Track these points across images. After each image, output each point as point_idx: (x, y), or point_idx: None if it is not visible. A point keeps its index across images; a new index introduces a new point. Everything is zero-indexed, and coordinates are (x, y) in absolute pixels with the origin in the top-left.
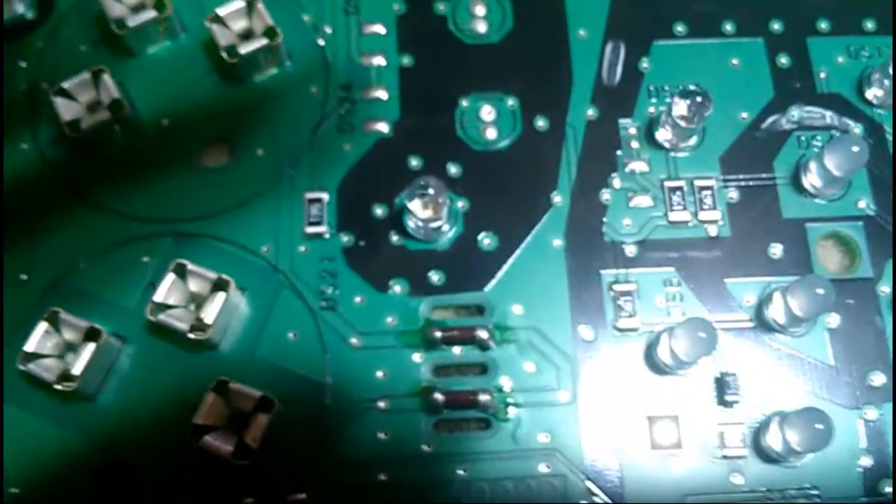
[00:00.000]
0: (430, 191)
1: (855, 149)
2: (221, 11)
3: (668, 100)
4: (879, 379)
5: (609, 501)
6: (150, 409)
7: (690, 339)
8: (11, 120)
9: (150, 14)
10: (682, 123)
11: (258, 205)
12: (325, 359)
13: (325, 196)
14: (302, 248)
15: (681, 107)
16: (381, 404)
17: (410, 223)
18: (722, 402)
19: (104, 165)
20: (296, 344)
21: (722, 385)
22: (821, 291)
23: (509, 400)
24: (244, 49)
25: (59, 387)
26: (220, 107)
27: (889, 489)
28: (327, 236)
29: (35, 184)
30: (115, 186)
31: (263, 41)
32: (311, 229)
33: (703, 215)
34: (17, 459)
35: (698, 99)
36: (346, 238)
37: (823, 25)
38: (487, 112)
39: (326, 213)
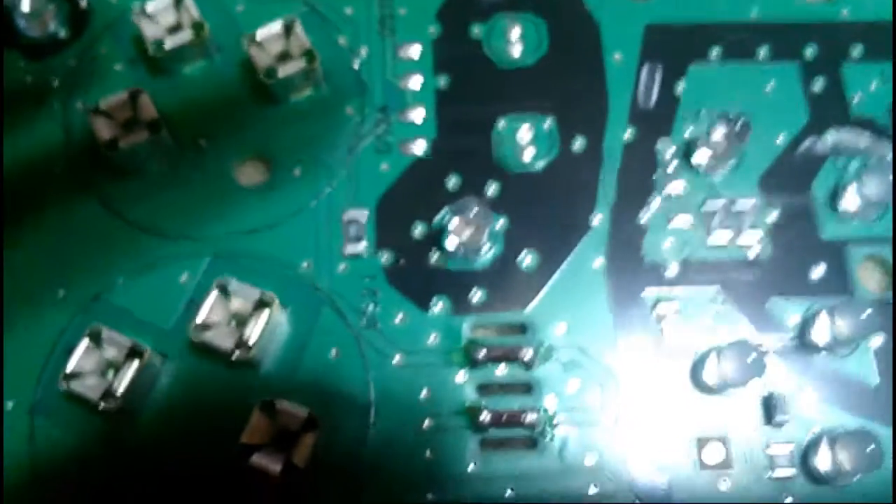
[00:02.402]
0: (473, 210)
1: (891, 177)
2: (260, 35)
3: (705, 123)
4: None
5: None
6: (193, 427)
7: (739, 363)
8: (44, 138)
9: (188, 36)
10: (722, 148)
11: (296, 224)
12: (368, 377)
13: (363, 215)
14: (341, 267)
15: (721, 132)
16: (426, 423)
17: (450, 243)
18: (770, 422)
19: (141, 184)
20: (338, 362)
21: (770, 405)
22: (867, 313)
23: (555, 419)
24: (283, 72)
25: (102, 405)
26: (257, 126)
27: None
28: (367, 255)
29: (71, 202)
30: (152, 205)
31: (302, 64)
32: (350, 248)
33: (743, 237)
34: (59, 476)
35: (739, 125)
36: (385, 256)
37: (856, 51)
38: (524, 133)
39: (365, 232)
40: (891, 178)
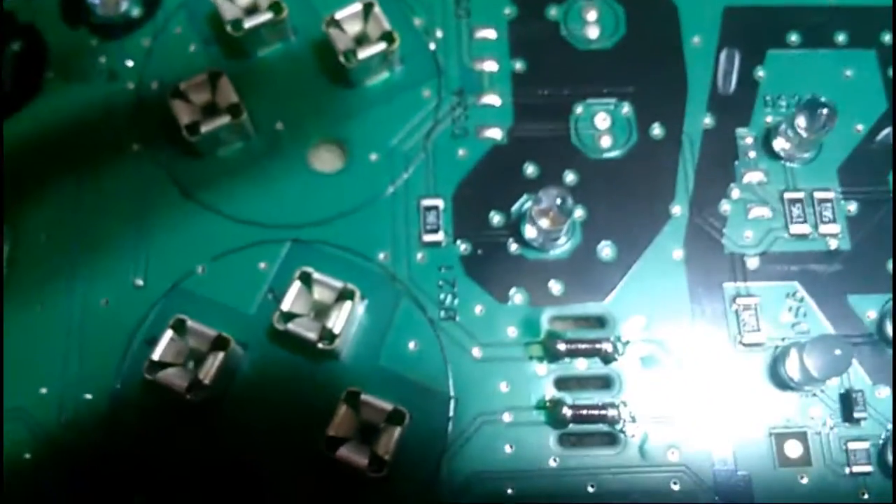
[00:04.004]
0: (552, 199)
1: None
2: (339, 15)
3: (785, 110)
4: None
5: None
6: (276, 417)
7: (825, 357)
8: (119, 120)
9: (266, 16)
10: (805, 135)
11: (373, 211)
12: (447, 369)
13: (440, 203)
14: (419, 256)
15: (805, 119)
16: (506, 417)
17: (529, 232)
18: (849, 418)
19: (218, 169)
20: (417, 354)
21: (849, 401)
22: None
23: (634, 414)
24: (363, 54)
25: (189, 396)
26: (333, 111)
27: None
28: (444, 244)
29: (148, 186)
30: (230, 191)
31: (381, 46)
32: (428, 237)
33: (822, 228)
34: (140, 466)
35: (824, 111)
36: (463, 246)
37: None
38: (602, 119)
39: (443, 220)
40: None
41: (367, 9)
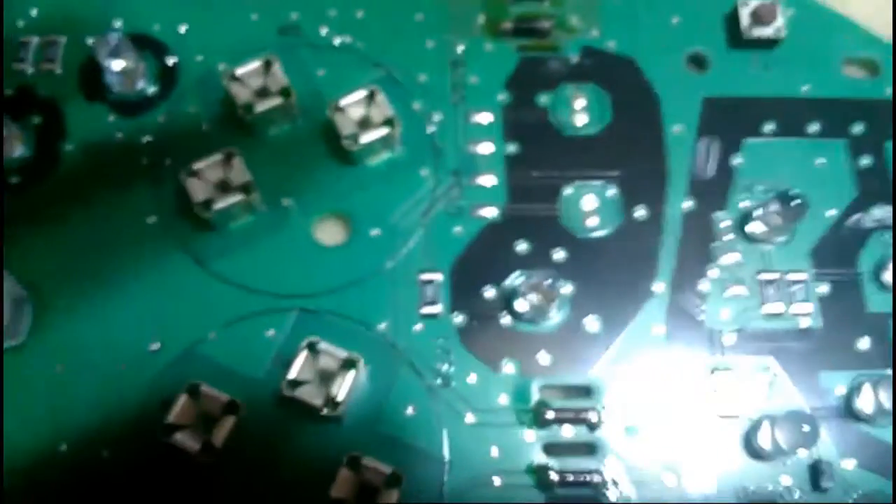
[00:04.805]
0: (542, 275)
1: None
2: (343, 102)
3: (760, 196)
4: None
5: None
6: (280, 477)
7: (793, 432)
8: (136, 194)
9: (276, 101)
10: (778, 223)
11: (375, 283)
12: (443, 434)
13: (438, 277)
14: (418, 327)
15: (779, 208)
16: (497, 480)
17: (520, 305)
18: (816, 487)
19: (229, 240)
20: (414, 419)
21: (817, 472)
22: None
23: (618, 481)
24: (365, 138)
25: (201, 458)
26: (337, 188)
27: None
28: (441, 316)
29: (163, 256)
30: (240, 261)
31: (384, 131)
32: (426, 309)
33: (795, 308)
34: None
35: (797, 203)
36: (459, 318)
37: None
38: (590, 201)
39: (440, 293)
40: None
41: (371, 96)
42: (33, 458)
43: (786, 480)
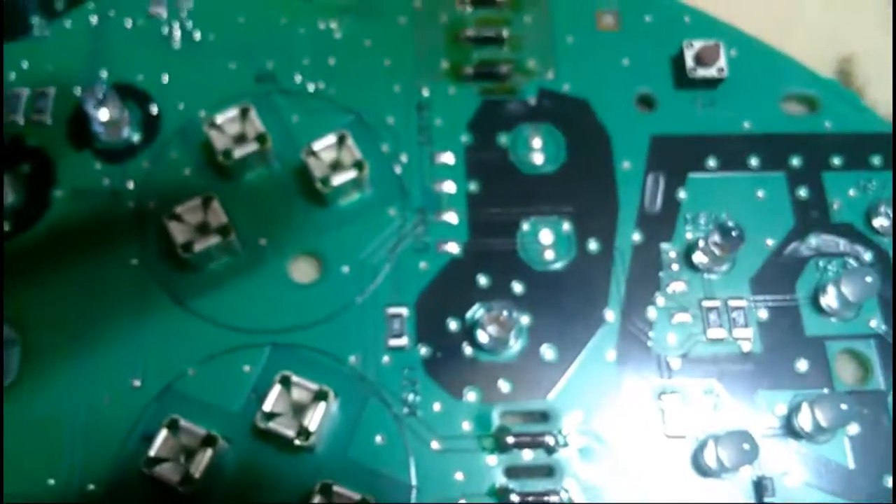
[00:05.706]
0: (501, 308)
1: (868, 280)
2: (316, 146)
3: (704, 228)
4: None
5: None
6: None
7: (735, 450)
8: (120, 236)
9: (253, 147)
10: (718, 253)
11: (345, 318)
12: (410, 461)
13: (405, 311)
14: (385, 359)
15: (718, 239)
16: None
17: (482, 337)
18: (760, 502)
19: (207, 280)
20: (382, 447)
21: (760, 488)
22: (844, 407)
23: (573, 500)
24: (336, 180)
25: (181, 488)
26: (310, 228)
27: None
28: (408, 348)
29: (145, 296)
30: (218, 300)
31: (353, 173)
32: (393, 342)
33: (736, 332)
34: None
35: (734, 234)
36: (424, 350)
37: (836, 161)
38: (546, 235)
39: (406, 326)
40: (867, 279)
41: (341, 140)
42: (23, 493)
43: (732, 496)
